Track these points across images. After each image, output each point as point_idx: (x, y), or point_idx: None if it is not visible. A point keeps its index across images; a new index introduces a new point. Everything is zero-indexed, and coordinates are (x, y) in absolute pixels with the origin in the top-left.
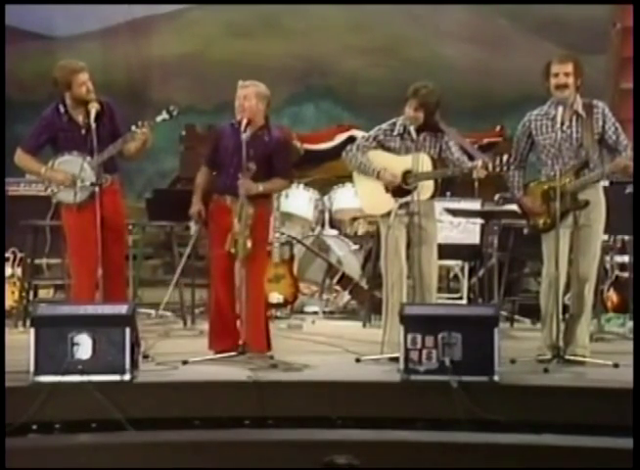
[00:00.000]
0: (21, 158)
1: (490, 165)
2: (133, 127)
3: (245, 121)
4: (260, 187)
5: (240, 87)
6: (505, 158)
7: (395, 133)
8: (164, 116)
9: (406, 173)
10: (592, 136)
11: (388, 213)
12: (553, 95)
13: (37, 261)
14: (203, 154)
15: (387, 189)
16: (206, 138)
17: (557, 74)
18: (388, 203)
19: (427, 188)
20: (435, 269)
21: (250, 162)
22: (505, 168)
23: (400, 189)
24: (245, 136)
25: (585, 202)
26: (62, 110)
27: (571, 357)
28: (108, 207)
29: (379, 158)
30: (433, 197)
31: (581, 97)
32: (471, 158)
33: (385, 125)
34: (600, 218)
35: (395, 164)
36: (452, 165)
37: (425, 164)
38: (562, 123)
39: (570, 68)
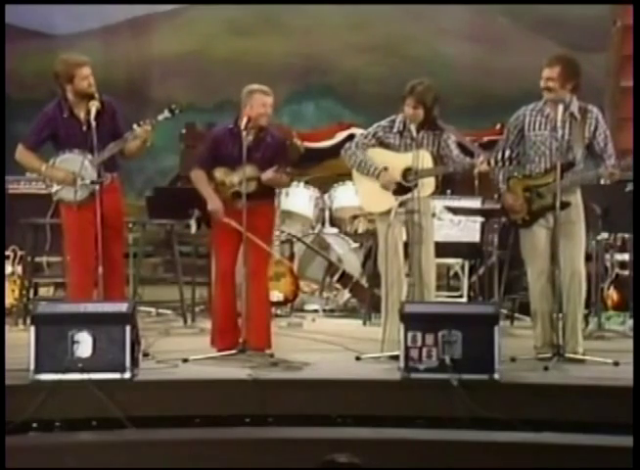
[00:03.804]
0: (22, 154)
1: (492, 161)
2: (135, 126)
3: (244, 122)
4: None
5: (262, 93)
6: (507, 153)
7: (395, 130)
8: (166, 114)
9: (406, 171)
10: (582, 139)
11: (388, 211)
12: None
13: (37, 259)
14: (197, 156)
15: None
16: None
17: (542, 77)
18: (387, 200)
19: (428, 185)
20: (434, 267)
21: (254, 164)
22: (508, 163)
23: (401, 187)
24: (249, 140)
25: (566, 203)
26: (63, 106)
27: (571, 355)
28: (108, 205)
29: (378, 156)
30: (432, 194)
31: (580, 96)
32: (471, 155)
33: (384, 122)
34: (580, 218)
35: (396, 161)
36: (452, 162)
37: (425, 161)
38: (555, 123)
39: (554, 72)
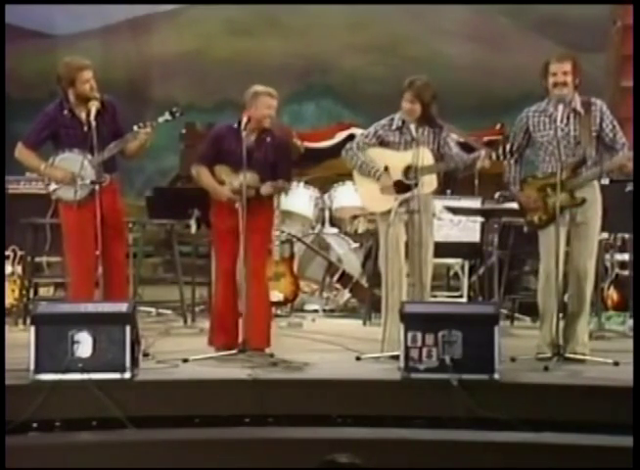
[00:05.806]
0: (21, 152)
1: (494, 155)
2: (135, 127)
3: (244, 122)
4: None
5: (268, 96)
6: (508, 147)
7: (394, 127)
8: (167, 117)
9: (408, 169)
10: (590, 134)
11: (389, 211)
12: (551, 93)
13: (37, 259)
14: (199, 153)
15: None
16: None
17: (555, 73)
18: (388, 200)
19: (429, 183)
20: (431, 267)
21: (255, 165)
22: (509, 156)
23: (402, 185)
24: (250, 140)
25: (582, 199)
26: (65, 106)
27: (571, 355)
28: (107, 205)
29: (379, 156)
30: (434, 192)
31: (580, 95)
32: (473, 151)
33: (383, 121)
34: (596, 216)
35: (396, 160)
36: (452, 159)
37: (426, 158)
38: (560, 121)
39: (568, 66)
